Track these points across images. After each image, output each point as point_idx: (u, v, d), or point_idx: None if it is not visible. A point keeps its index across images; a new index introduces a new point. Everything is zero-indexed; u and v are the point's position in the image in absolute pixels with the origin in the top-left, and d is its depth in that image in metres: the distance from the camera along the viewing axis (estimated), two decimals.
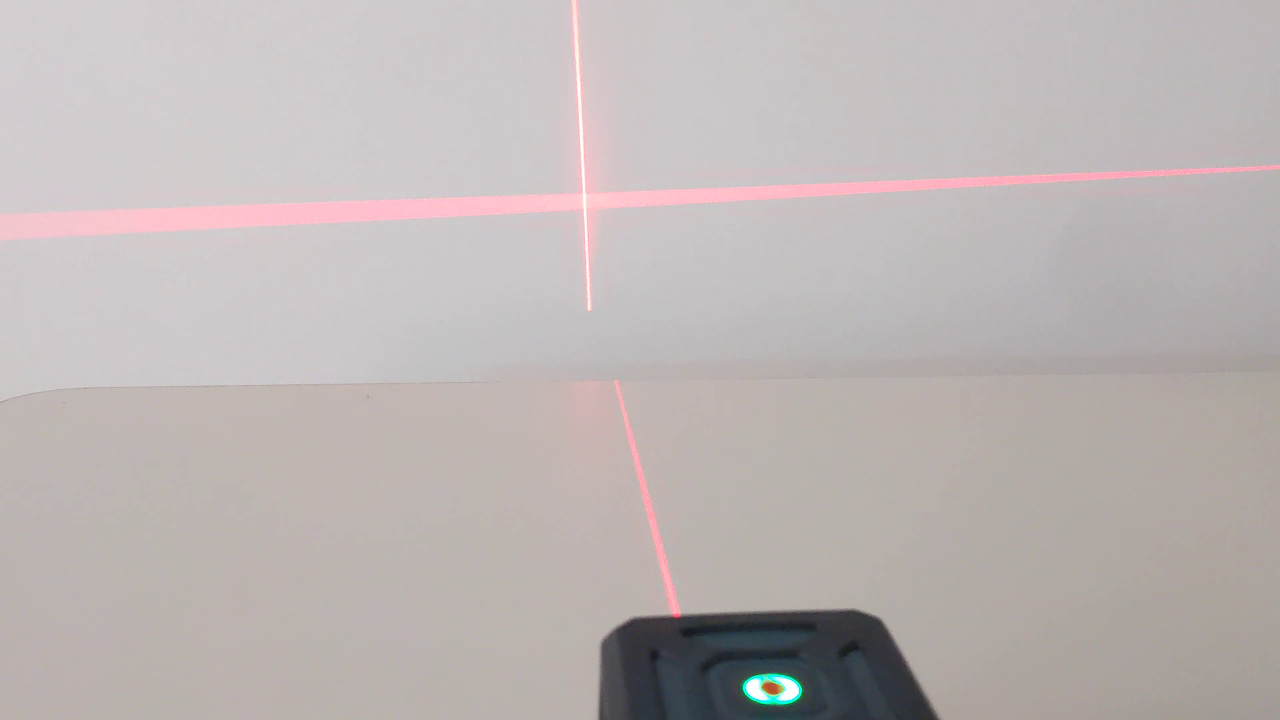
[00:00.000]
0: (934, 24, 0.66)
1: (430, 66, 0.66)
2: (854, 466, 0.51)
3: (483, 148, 0.67)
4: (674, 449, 0.53)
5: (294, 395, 0.61)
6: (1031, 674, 0.34)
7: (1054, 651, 0.35)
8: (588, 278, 0.67)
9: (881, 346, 0.72)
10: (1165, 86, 0.67)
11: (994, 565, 0.41)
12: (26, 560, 0.42)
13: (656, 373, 0.71)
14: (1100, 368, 0.71)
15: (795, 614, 0.22)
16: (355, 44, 0.65)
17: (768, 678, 0.21)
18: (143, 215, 0.68)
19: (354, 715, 0.32)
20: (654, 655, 0.21)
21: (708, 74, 0.66)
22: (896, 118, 0.67)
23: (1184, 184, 0.69)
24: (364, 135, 0.67)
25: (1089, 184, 0.69)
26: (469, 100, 0.66)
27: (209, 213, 0.68)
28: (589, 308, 0.68)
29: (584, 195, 0.66)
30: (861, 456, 0.53)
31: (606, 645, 0.22)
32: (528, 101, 0.66)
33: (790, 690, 0.20)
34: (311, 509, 0.46)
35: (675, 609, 0.37)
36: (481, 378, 0.72)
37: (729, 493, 0.48)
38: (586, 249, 0.67)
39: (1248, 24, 0.66)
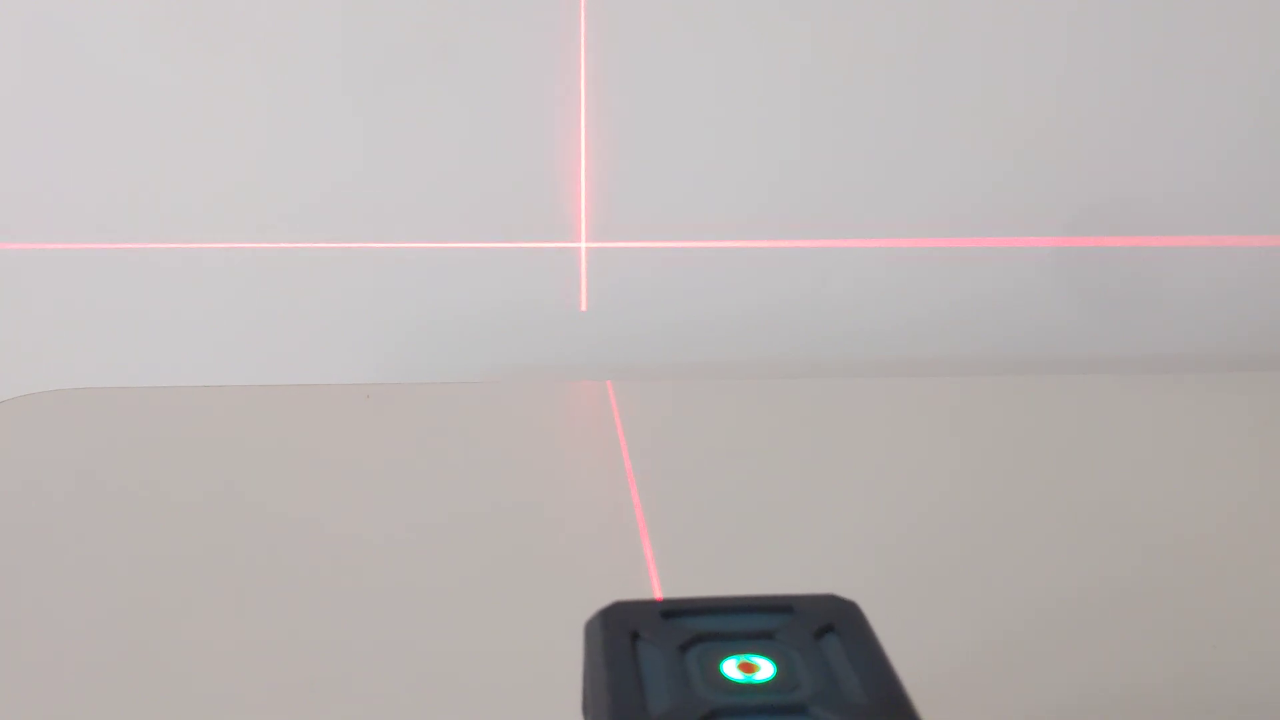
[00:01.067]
0: (932, 37, 0.66)
1: (434, 70, 0.66)
2: (843, 466, 0.51)
3: (483, 152, 0.68)
4: (664, 448, 0.53)
5: (294, 395, 0.61)
6: (1025, 666, 0.34)
7: (1048, 644, 0.35)
8: (583, 277, 0.68)
9: (878, 347, 0.72)
10: (1162, 86, 0.67)
11: (994, 562, 0.41)
12: (27, 560, 0.42)
13: (650, 373, 0.72)
14: (1100, 368, 0.71)
15: (772, 597, 0.23)
16: (355, 46, 0.66)
17: (744, 658, 0.21)
18: (142, 215, 0.68)
19: (358, 702, 0.32)
20: (634, 636, 0.21)
21: (709, 76, 0.67)
22: (898, 118, 0.68)
23: (1184, 184, 0.69)
24: (365, 136, 0.67)
25: (1090, 183, 0.69)
26: (468, 107, 0.67)
27: (209, 212, 0.68)
28: (583, 308, 0.68)
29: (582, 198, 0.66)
30: (851, 456, 0.53)
31: (590, 627, 0.22)
32: (529, 112, 0.67)
33: (765, 670, 0.20)
34: (311, 508, 0.47)
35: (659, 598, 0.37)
36: (480, 378, 0.72)
37: (717, 490, 0.48)
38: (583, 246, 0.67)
39: (1246, 25, 0.66)
